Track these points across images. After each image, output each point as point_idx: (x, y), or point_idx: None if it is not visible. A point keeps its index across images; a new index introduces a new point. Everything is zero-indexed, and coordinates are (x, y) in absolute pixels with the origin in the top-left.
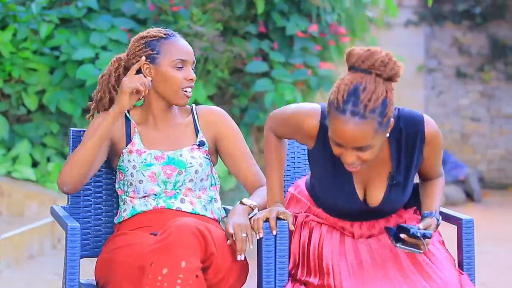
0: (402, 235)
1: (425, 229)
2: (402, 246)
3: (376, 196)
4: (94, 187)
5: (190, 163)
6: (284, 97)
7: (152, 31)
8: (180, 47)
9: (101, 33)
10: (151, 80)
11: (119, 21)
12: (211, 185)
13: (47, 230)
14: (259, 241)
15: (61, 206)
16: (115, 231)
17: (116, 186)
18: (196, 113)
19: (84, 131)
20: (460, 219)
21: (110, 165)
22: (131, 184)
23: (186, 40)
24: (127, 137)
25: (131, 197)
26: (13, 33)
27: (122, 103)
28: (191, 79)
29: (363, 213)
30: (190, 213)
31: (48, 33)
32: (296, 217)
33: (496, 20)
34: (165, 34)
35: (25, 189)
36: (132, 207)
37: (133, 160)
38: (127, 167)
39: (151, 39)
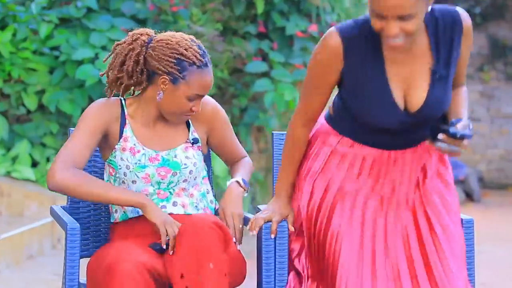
0: (441, 136)
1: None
2: (442, 144)
3: (418, 96)
4: None
5: (185, 164)
6: (283, 97)
7: (192, 50)
8: (204, 82)
9: (100, 33)
10: (159, 94)
11: (119, 21)
12: (203, 178)
13: (47, 230)
14: (259, 241)
15: (61, 206)
16: (110, 232)
17: (105, 179)
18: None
19: None
20: (460, 219)
21: (102, 156)
22: (123, 182)
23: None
24: (120, 130)
25: None
26: (12, 33)
27: (150, 213)
28: (195, 111)
29: (402, 126)
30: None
31: (48, 33)
32: (311, 194)
33: (496, 20)
34: (199, 61)
35: (25, 189)
36: (124, 212)
37: (127, 160)
38: (119, 165)
39: (185, 59)
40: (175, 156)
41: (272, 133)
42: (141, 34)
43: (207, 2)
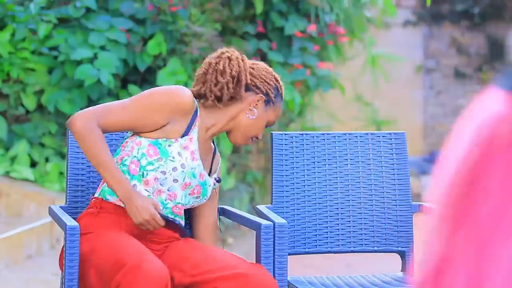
0: None
1: None
2: None
3: None
4: (92, 187)
5: (206, 197)
6: None
7: (282, 83)
8: (280, 112)
9: (99, 33)
10: (254, 113)
11: (118, 21)
12: None
13: (46, 230)
14: (258, 241)
15: (59, 206)
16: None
17: (134, 154)
18: (215, 153)
19: None
20: None
21: (138, 132)
22: (161, 172)
23: (185, 41)
24: (188, 127)
25: (144, 182)
26: (11, 33)
27: (133, 206)
28: (258, 139)
29: None
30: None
31: (47, 33)
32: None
33: (495, 20)
34: (282, 94)
35: (24, 189)
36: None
37: (185, 160)
38: (173, 157)
39: (278, 88)
40: (208, 186)
41: (271, 133)
42: (233, 52)
43: (206, 2)
